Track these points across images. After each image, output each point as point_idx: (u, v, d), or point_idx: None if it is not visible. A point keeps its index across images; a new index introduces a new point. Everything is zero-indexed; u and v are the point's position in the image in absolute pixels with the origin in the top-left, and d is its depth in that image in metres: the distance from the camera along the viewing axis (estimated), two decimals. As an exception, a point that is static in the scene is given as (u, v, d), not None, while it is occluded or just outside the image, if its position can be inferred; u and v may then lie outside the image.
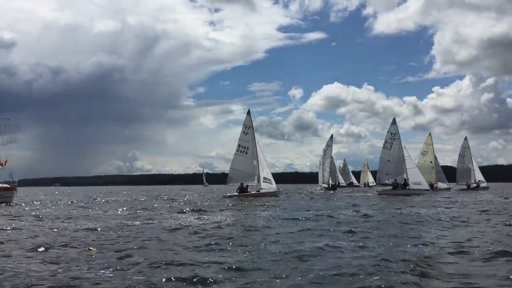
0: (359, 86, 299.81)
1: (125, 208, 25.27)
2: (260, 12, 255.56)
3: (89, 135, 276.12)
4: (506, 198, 33.22)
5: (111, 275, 7.68)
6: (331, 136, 63.62)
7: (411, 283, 6.86)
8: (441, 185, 53.09)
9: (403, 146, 41.74)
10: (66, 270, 8.13)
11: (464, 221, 16.15)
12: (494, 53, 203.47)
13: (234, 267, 8.19)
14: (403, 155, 41.13)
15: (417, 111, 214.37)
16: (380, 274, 7.40)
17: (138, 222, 16.45)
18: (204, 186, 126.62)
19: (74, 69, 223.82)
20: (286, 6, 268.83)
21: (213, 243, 11.04)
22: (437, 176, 53.93)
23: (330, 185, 60.70)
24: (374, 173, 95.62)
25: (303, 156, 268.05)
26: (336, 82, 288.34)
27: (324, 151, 61.74)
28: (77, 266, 8.46)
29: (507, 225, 14.67)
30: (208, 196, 42.67)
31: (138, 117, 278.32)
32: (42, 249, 10.36)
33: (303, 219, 17.25)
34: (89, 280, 7.38)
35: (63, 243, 11.23)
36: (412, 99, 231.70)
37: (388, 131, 42.36)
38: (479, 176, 55.46)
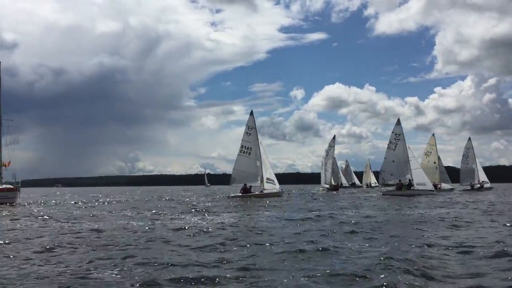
0: (361, 86, 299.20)
1: (128, 209, 25.30)
2: (262, 12, 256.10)
3: (91, 136, 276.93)
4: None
5: (118, 276, 7.68)
6: (334, 137, 63.65)
7: (415, 284, 6.87)
8: (444, 185, 52.92)
9: (407, 146, 41.65)
10: (72, 270, 8.16)
11: (468, 222, 16.13)
12: (496, 53, 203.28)
13: (239, 267, 8.21)
14: (408, 156, 41.05)
15: (419, 111, 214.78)
16: (383, 274, 7.41)
17: (142, 223, 16.46)
18: (205, 187, 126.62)
19: (76, 70, 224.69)
20: (287, 6, 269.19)
21: (217, 243, 11.05)
22: (441, 176, 53.75)
23: (332, 186, 60.65)
24: (376, 174, 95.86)
25: (305, 157, 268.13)
26: (337, 83, 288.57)
27: (327, 151, 61.71)
28: (84, 266, 8.49)
29: (508, 225, 14.69)
30: (211, 197, 42.66)
31: (140, 117, 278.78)
32: (48, 249, 10.40)
33: (307, 219, 17.24)
34: (95, 280, 7.40)
35: (68, 244, 11.26)
36: (413, 99, 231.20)
37: (392, 132, 42.26)
38: (483, 176, 55.32)
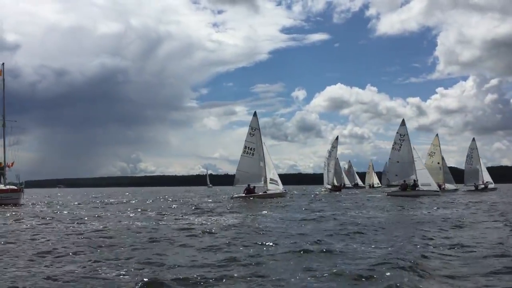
0: (363, 87, 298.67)
1: (132, 210, 25.31)
2: (263, 13, 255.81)
3: (93, 137, 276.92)
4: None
5: (125, 276, 7.69)
6: (337, 138, 63.76)
7: (419, 286, 6.88)
8: (448, 186, 52.82)
9: (412, 147, 41.56)
10: (78, 270, 8.18)
11: (471, 222, 16.15)
12: (498, 53, 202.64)
13: (244, 267, 8.25)
14: (412, 156, 40.98)
15: (421, 112, 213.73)
16: (388, 274, 7.43)
17: (146, 223, 16.47)
18: (207, 188, 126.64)
19: (77, 71, 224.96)
20: (289, 7, 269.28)
21: (222, 243, 11.09)
22: (445, 177, 53.66)
23: (334, 186, 60.59)
24: (379, 174, 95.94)
25: (307, 157, 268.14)
26: (339, 83, 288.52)
27: (329, 152, 61.63)
28: (89, 266, 8.51)
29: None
30: (214, 198, 42.65)
31: (142, 118, 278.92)
32: (54, 250, 10.41)
33: (311, 220, 17.25)
34: (101, 280, 7.43)
35: (74, 244, 11.29)
36: (415, 100, 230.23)
37: (397, 132, 42.20)
38: (487, 177, 55.15)
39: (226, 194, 49.76)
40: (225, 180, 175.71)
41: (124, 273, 7.90)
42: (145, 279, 7.30)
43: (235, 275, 7.68)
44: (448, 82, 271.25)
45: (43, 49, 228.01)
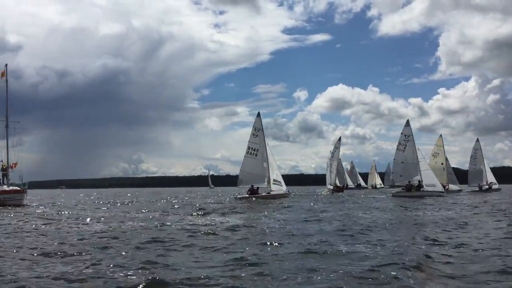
0: (364, 87, 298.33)
1: (136, 210, 25.32)
2: (265, 14, 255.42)
3: (95, 138, 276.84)
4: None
5: (133, 277, 7.67)
6: (339, 138, 63.84)
7: (422, 285, 6.90)
8: (452, 187, 52.68)
9: (417, 148, 41.45)
10: (82, 270, 8.17)
11: (475, 223, 16.17)
12: (500, 54, 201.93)
13: (250, 267, 8.26)
14: (417, 157, 40.88)
15: (423, 112, 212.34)
16: (392, 274, 7.43)
17: (151, 224, 16.46)
18: (209, 188, 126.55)
19: (79, 72, 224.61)
20: (290, 8, 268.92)
21: (227, 244, 11.15)
22: (448, 177, 53.53)
23: (337, 187, 60.49)
24: (381, 175, 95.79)
25: (308, 158, 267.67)
26: (341, 84, 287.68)
27: (332, 153, 61.59)
28: (94, 267, 8.49)
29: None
30: (217, 198, 42.65)
31: (144, 119, 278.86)
32: (59, 250, 10.41)
33: (315, 220, 17.26)
34: (105, 280, 7.43)
35: (78, 245, 11.29)
36: (417, 100, 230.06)
37: (401, 133, 42.12)
38: (491, 178, 55.01)
39: (229, 195, 49.69)
40: (227, 180, 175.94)
41: (130, 273, 7.89)
42: (151, 280, 7.30)
43: (243, 275, 7.70)
44: (450, 82, 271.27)
45: (45, 50, 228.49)
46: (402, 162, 40.84)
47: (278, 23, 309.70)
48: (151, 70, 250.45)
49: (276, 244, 11.01)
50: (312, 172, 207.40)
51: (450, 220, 17.17)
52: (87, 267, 8.44)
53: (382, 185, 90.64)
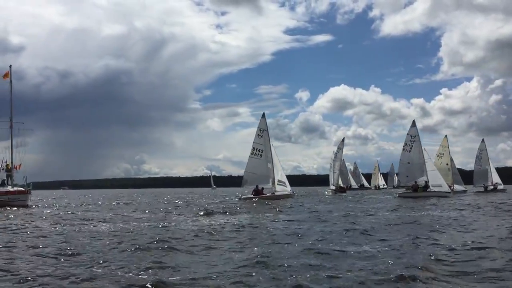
0: (366, 88, 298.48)
1: (139, 211, 25.30)
2: (267, 15, 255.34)
3: (97, 138, 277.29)
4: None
5: (140, 277, 7.67)
6: (343, 139, 63.94)
7: (428, 284, 6.95)
8: (457, 187, 52.55)
9: (423, 148, 41.33)
10: (87, 270, 8.17)
11: (481, 223, 16.23)
12: (502, 54, 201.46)
13: (257, 267, 8.31)
14: (424, 158, 40.78)
15: (425, 113, 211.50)
16: (397, 273, 7.48)
17: (155, 224, 16.44)
18: (212, 189, 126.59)
19: (81, 73, 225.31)
20: (292, 8, 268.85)
21: (234, 244, 11.26)
22: (454, 178, 53.41)
23: (339, 187, 60.42)
24: (384, 176, 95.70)
25: (310, 159, 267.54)
26: (343, 84, 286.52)
27: (335, 154, 61.57)
28: (98, 266, 8.48)
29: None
30: (221, 199, 42.67)
31: (146, 120, 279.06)
32: (63, 250, 10.42)
33: (318, 221, 17.25)
34: (110, 279, 7.43)
35: (83, 245, 11.29)
36: (419, 101, 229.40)
37: (407, 134, 42.03)
38: (496, 178, 54.94)
39: (232, 196, 49.68)
40: (229, 181, 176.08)
41: (137, 273, 7.88)
42: (157, 280, 7.31)
43: (250, 274, 7.72)
44: (452, 83, 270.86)
45: (47, 51, 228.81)
46: (408, 163, 40.72)
47: (280, 23, 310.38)
48: (153, 70, 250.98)
49: (281, 244, 11.05)
50: (314, 172, 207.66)
51: (455, 220, 17.20)
52: (94, 267, 8.44)
53: (386, 186, 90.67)
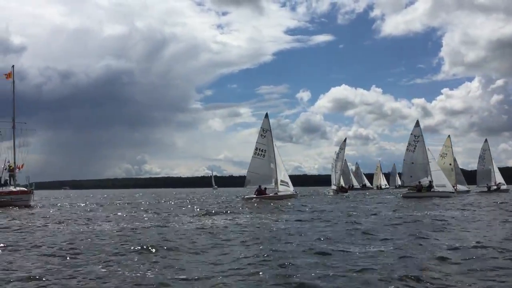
0: (367, 88, 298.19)
1: (142, 210, 25.29)
2: (268, 15, 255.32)
3: (98, 138, 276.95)
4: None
5: (150, 276, 7.69)
6: (345, 140, 64.02)
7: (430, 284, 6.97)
8: (460, 187, 52.55)
9: (427, 148, 41.30)
10: (89, 270, 8.16)
11: (483, 222, 16.29)
12: (503, 54, 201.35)
13: (261, 266, 8.36)
14: (427, 158, 40.71)
15: (426, 113, 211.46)
16: (400, 273, 7.53)
17: (158, 223, 16.41)
18: (213, 189, 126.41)
19: (83, 73, 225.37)
20: (293, 9, 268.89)
21: (238, 243, 11.38)
22: (457, 178, 53.38)
23: (341, 188, 60.32)
24: (386, 176, 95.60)
25: (311, 159, 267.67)
26: (344, 85, 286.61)
27: (337, 154, 61.48)
28: (101, 266, 8.49)
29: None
30: (224, 199, 42.63)
31: (147, 120, 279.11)
32: (66, 250, 10.45)
33: (322, 221, 17.26)
34: (114, 279, 7.42)
35: (85, 244, 11.30)
36: (420, 101, 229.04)
37: (411, 134, 42.02)
38: (499, 178, 54.93)
39: (233, 196, 49.62)
40: (230, 181, 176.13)
41: (142, 273, 7.88)
42: (162, 279, 7.35)
43: (254, 273, 7.75)
44: (454, 83, 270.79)
45: (49, 51, 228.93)
46: (412, 163, 40.68)
47: (281, 23, 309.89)
48: (154, 71, 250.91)
49: (284, 243, 11.08)
50: (315, 172, 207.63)
51: (458, 220, 17.25)
52: (100, 267, 8.44)
53: (387, 186, 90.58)
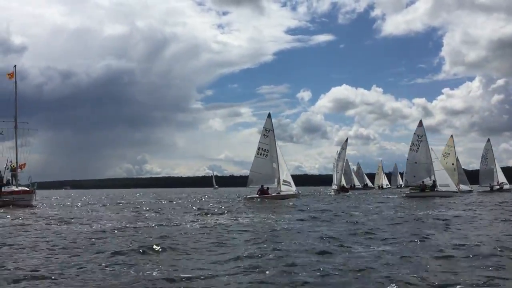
0: (368, 88, 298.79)
1: (143, 210, 25.30)
2: (268, 15, 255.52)
3: (99, 138, 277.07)
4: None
5: (154, 274, 7.72)
6: (346, 140, 63.74)
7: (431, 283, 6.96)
8: (463, 187, 52.40)
9: (430, 148, 41.30)
10: (91, 270, 8.15)
11: (485, 222, 16.34)
12: (504, 54, 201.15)
13: (262, 265, 8.37)
14: (431, 157, 40.66)
15: (427, 113, 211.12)
16: (401, 273, 7.55)
17: (161, 223, 16.41)
18: (214, 189, 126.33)
19: (83, 73, 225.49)
20: (294, 8, 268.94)
21: (241, 242, 11.40)
22: (459, 178, 53.30)
23: (342, 187, 60.22)
24: (388, 175, 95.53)
25: (312, 159, 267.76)
26: (344, 84, 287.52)
27: (339, 154, 61.43)
28: (103, 266, 8.48)
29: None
30: (225, 199, 42.62)
31: (148, 120, 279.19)
32: (68, 250, 10.45)
33: (324, 221, 17.27)
34: (116, 278, 7.44)
35: (87, 244, 11.32)
36: (421, 100, 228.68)
37: (414, 133, 42.02)
38: (502, 178, 54.83)
39: (234, 195, 49.61)
40: (231, 181, 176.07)
41: (145, 273, 7.87)
42: (165, 278, 7.36)
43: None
44: (454, 82, 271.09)
45: (49, 51, 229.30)
46: (415, 163, 40.63)
47: (281, 23, 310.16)
48: (155, 70, 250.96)
49: (287, 243, 11.10)
50: (316, 172, 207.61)
51: (460, 219, 17.29)
52: (103, 266, 8.45)
53: (389, 186, 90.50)
